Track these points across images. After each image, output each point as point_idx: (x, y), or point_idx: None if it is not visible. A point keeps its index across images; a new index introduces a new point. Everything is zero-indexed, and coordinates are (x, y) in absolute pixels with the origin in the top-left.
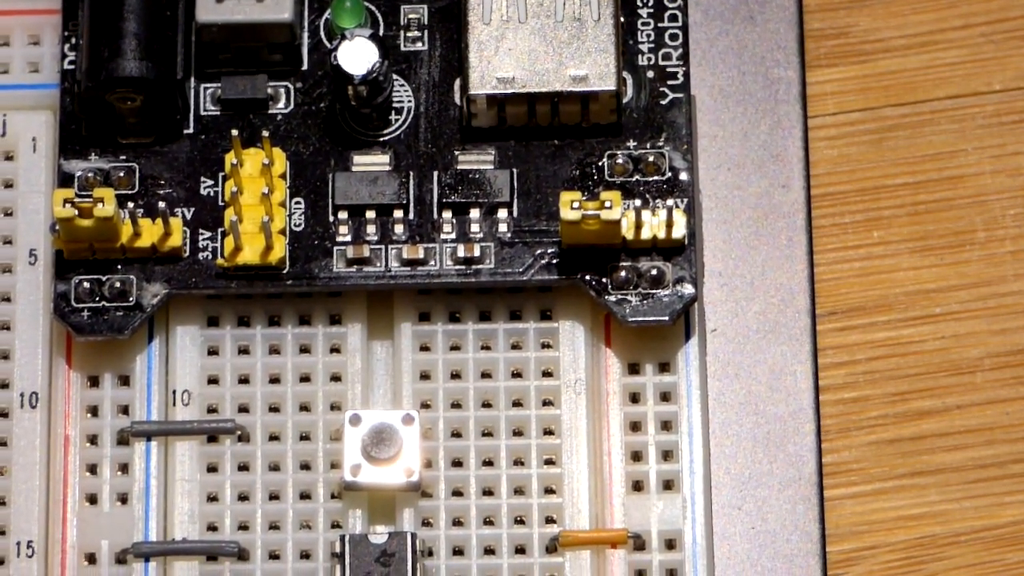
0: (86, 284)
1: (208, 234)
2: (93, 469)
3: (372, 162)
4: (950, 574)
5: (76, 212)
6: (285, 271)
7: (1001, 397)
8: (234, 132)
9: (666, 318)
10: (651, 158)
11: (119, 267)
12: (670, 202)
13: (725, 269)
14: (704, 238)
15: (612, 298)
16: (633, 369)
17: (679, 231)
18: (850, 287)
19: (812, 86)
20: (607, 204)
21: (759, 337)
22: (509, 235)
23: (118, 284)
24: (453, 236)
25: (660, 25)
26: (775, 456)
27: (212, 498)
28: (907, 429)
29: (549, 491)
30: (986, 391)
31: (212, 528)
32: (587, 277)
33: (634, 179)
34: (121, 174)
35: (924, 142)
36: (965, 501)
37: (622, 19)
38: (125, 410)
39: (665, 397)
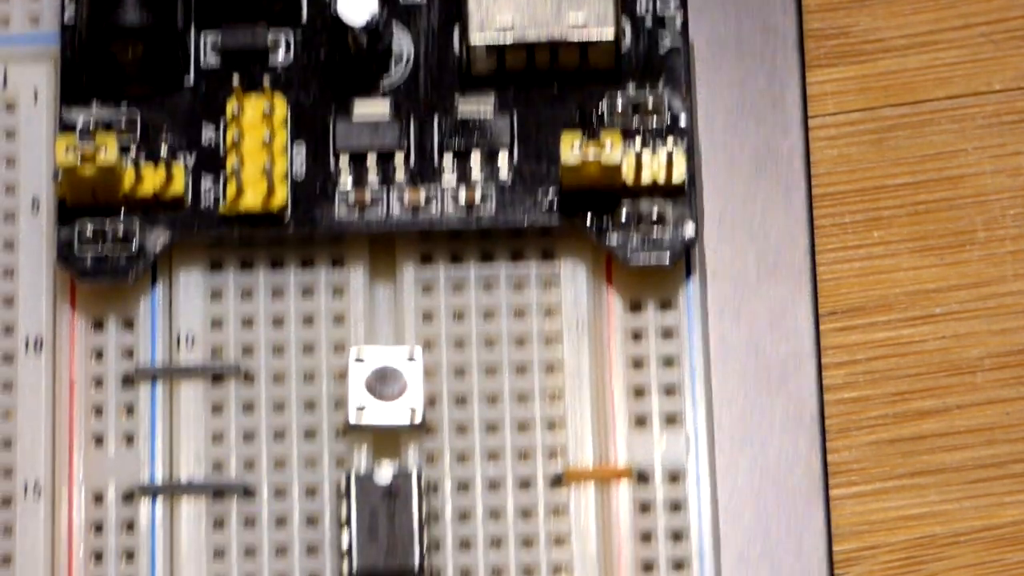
0: (89, 230)
1: (210, 181)
2: (99, 411)
3: (372, 109)
4: (950, 574)
5: (79, 159)
6: (287, 217)
7: (1001, 397)
8: (235, 79)
9: (666, 260)
10: (650, 102)
11: (122, 213)
12: (670, 145)
13: (725, 212)
14: (704, 181)
15: (613, 240)
16: (635, 308)
17: (679, 173)
18: (850, 287)
19: (812, 86)
20: (607, 146)
21: (759, 278)
22: (509, 180)
23: (121, 230)
24: (454, 181)
25: None
26: (776, 393)
27: (217, 438)
28: (907, 429)
29: (552, 427)
30: (986, 391)
31: (218, 468)
32: (588, 220)
33: (634, 123)
34: (123, 123)
35: (924, 142)
36: (965, 501)
37: None
38: (130, 354)
39: (667, 334)
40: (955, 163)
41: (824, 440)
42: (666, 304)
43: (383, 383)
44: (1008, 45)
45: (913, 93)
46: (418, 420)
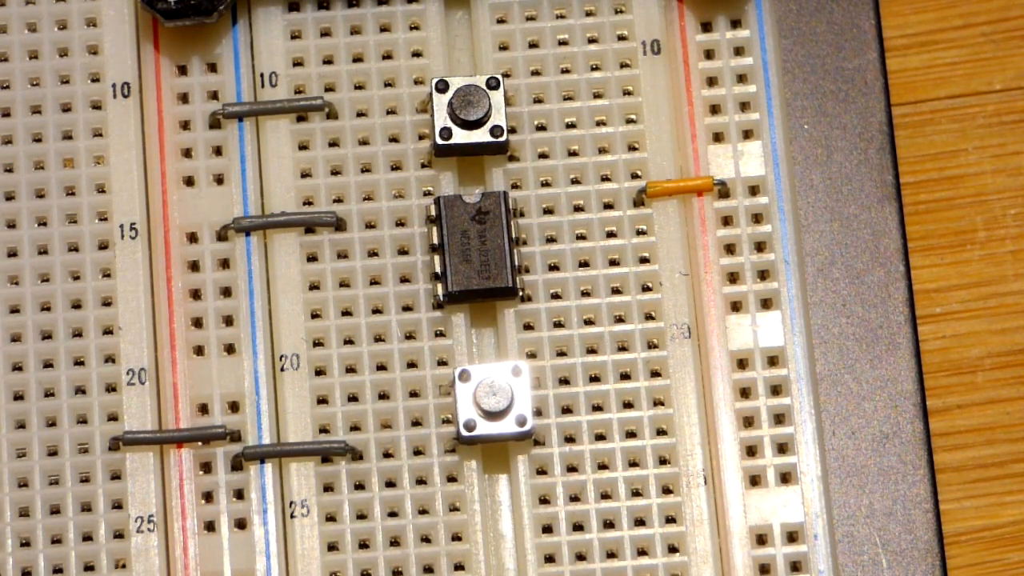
0: None
1: None
2: (187, 153)
3: None
4: (950, 574)
5: None
6: None
7: (1001, 397)
8: None
9: None
10: None
11: None
12: None
13: None
14: None
15: None
16: (706, 28)
17: None
18: None
19: None
20: None
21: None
22: None
23: None
24: None
25: None
26: (845, 111)
27: (306, 174)
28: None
29: (632, 148)
30: (986, 391)
31: (308, 203)
32: None
33: None
34: None
35: (924, 142)
36: (965, 501)
37: None
38: (215, 95)
39: (739, 51)
40: (955, 163)
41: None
42: (736, 23)
43: (467, 107)
44: (1008, 45)
45: (913, 93)
46: (502, 139)
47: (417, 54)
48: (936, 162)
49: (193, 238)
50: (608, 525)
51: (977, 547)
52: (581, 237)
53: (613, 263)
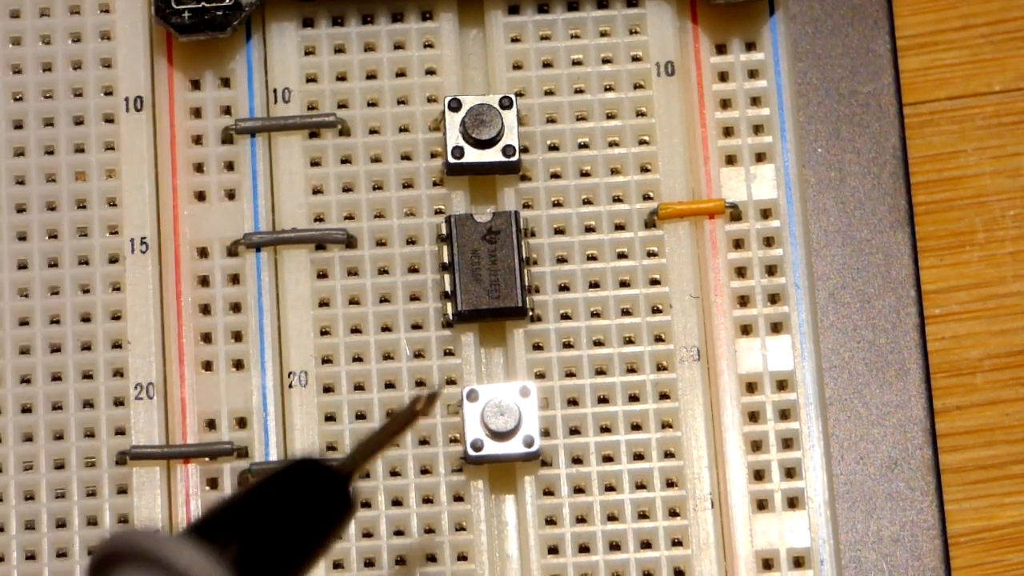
0: None
1: None
2: (199, 168)
3: None
4: (950, 574)
5: None
6: None
7: (1001, 398)
8: None
9: None
10: None
11: None
12: None
13: None
14: None
15: None
16: (720, 50)
17: None
18: None
19: None
20: None
21: (838, 18)
22: None
23: None
24: None
25: None
26: (859, 135)
27: (317, 191)
28: None
29: (645, 170)
30: (986, 392)
31: (319, 219)
32: None
33: None
34: None
35: (924, 142)
36: (965, 502)
37: None
38: (227, 110)
39: (753, 74)
40: (955, 163)
41: (906, 164)
42: (751, 45)
43: (480, 126)
44: (1008, 46)
45: (913, 93)
46: (514, 158)
47: (431, 72)
48: (935, 163)
49: (203, 253)
50: (614, 547)
51: (977, 548)
52: (592, 258)
53: (623, 284)
